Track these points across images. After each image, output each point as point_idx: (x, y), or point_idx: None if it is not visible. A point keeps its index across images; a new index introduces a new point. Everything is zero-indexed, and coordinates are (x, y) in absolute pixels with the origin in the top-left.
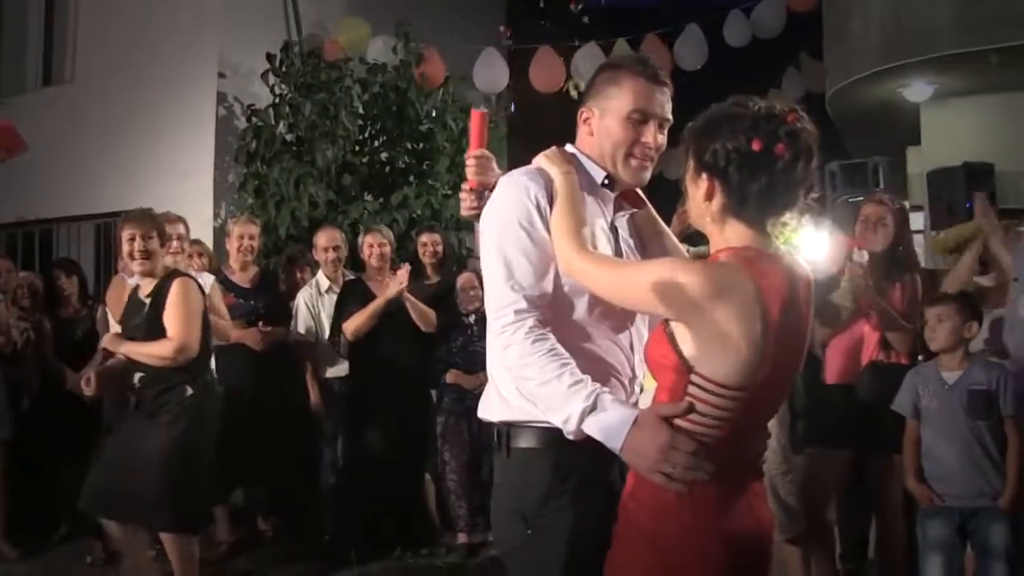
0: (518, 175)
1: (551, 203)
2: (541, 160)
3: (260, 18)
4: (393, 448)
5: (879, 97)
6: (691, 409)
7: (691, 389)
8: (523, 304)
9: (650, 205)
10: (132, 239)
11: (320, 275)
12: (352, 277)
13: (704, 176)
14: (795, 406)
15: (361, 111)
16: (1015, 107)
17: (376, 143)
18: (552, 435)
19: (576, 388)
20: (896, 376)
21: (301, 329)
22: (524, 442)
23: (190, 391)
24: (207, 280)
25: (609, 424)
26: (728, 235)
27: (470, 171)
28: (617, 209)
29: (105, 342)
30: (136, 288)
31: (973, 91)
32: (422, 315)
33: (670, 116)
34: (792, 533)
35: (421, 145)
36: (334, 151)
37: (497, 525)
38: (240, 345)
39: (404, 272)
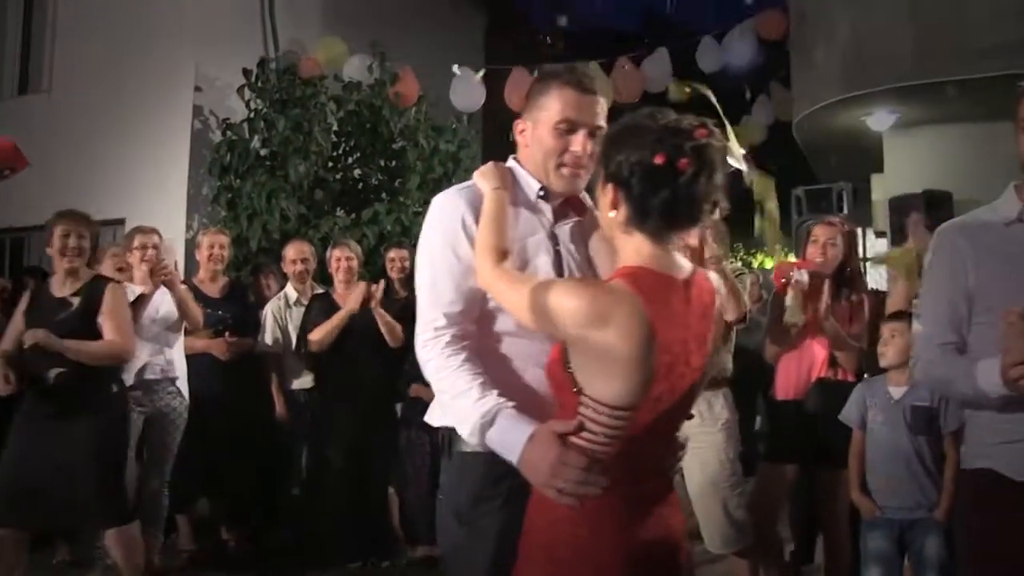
0: (450, 193)
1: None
2: (476, 176)
3: (238, 33)
4: (356, 460)
5: (844, 125)
6: (581, 427)
7: (581, 408)
8: (442, 321)
9: (594, 211)
10: (67, 235)
11: (289, 287)
12: (321, 291)
13: (609, 187)
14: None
15: (335, 128)
16: (974, 137)
17: (350, 160)
18: None
19: (479, 403)
20: (842, 393)
21: (268, 340)
22: (464, 445)
23: (115, 388)
24: (134, 290)
25: (505, 438)
26: (631, 247)
27: None
28: (561, 218)
29: (36, 338)
30: (46, 286)
31: (934, 121)
32: (391, 329)
33: (602, 123)
34: (742, 546)
35: (394, 163)
36: (307, 166)
37: (438, 525)
38: (207, 354)
39: (377, 288)
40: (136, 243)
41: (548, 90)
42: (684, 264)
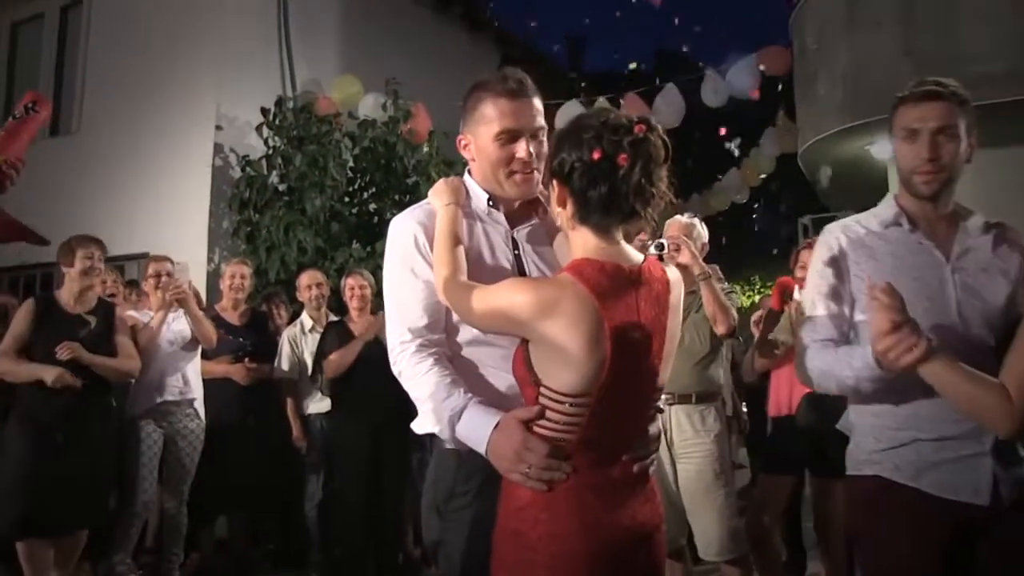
0: (403, 215)
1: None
2: (430, 194)
3: (256, 74)
4: (372, 483)
5: (848, 154)
6: (542, 414)
7: (541, 400)
8: (407, 336)
9: (549, 213)
10: (89, 257)
11: (304, 315)
12: (335, 319)
13: (555, 183)
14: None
15: (351, 164)
16: (974, 163)
17: (365, 194)
18: None
19: (447, 401)
20: (830, 405)
21: (284, 366)
22: (442, 444)
23: (115, 402)
24: (148, 315)
25: (472, 430)
26: (579, 241)
27: None
28: (520, 222)
29: (73, 352)
30: (55, 302)
31: None
32: None
33: (542, 124)
34: (735, 555)
35: (408, 196)
36: (322, 200)
37: (422, 520)
38: (227, 379)
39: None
40: (151, 271)
41: (483, 102)
42: (633, 255)
